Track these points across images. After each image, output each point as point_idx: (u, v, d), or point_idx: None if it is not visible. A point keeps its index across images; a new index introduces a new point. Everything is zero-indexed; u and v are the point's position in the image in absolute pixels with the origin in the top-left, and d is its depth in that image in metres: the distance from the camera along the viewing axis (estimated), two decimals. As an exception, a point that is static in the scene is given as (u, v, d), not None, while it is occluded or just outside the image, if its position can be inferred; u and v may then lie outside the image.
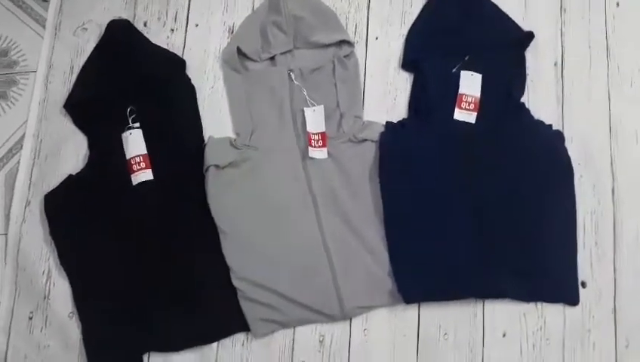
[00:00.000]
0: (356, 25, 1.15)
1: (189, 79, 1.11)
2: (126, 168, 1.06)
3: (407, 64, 1.12)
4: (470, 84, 1.09)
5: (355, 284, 1.01)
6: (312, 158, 1.05)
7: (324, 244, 1.02)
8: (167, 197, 1.05)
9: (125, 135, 1.07)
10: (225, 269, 1.01)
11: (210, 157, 1.03)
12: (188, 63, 1.12)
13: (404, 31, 1.14)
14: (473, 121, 1.07)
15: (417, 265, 1.01)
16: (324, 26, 1.10)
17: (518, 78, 1.10)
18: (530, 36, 1.09)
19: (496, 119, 1.07)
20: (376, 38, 1.15)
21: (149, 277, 1.01)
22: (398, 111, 1.11)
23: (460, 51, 1.10)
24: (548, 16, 1.13)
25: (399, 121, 1.09)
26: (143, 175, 1.05)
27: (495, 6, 1.12)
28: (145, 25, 1.18)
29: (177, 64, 1.10)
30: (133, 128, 1.07)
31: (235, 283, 1.00)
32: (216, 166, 1.03)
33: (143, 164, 1.05)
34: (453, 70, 1.10)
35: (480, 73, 1.09)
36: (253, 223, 1.03)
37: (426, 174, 1.04)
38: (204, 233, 1.03)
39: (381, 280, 1.01)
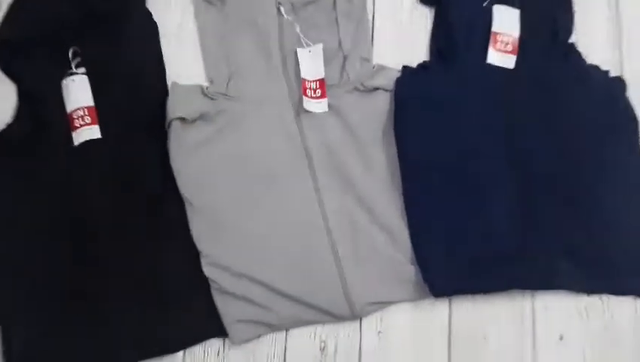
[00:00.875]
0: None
1: (150, 14, 0.87)
2: (66, 124, 0.81)
3: (426, -6, 0.89)
4: (506, 20, 0.87)
5: (365, 273, 0.77)
6: (307, 112, 0.82)
7: (325, 221, 0.78)
8: (119, 161, 0.80)
9: (66, 82, 0.82)
10: (195, 255, 0.77)
11: (174, 108, 0.79)
12: (149, -6, 0.88)
13: (421, -42, 0.91)
14: (512, 66, 0.85)
15: (448, 248, 0.77)
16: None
17: (564, 14, 0.88)
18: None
19: (541, 63, 0.86)
20: (387, -31, 0.91)
21: (94, 267, 0.76)
22: (417, 55, 0.87)
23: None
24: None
25: (419, 65, 0.85)
26: (88, 132, 0.80)
27: None
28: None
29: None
30: (77, 74, 0.82)
31: (207, 271, 0.76)
32: (182, 120, 0.78)
33: (87, 119, 0.80)
34: (484, 4, 0.87)
35: (517, 8, 0.87)
36: (230, 194, 0.78)
37: (455, 130, 0.81)
38: (168, 209, 0.79)
39: (400, 268, 0.78)
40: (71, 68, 0.83)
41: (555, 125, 0.82)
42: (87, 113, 0.81)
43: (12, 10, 0.85)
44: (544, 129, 0.82)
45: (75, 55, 0.83)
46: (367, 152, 0.81)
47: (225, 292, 0.75)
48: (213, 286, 0.76)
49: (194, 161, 0.78)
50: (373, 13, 0.89)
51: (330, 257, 0.77)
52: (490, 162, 0.80)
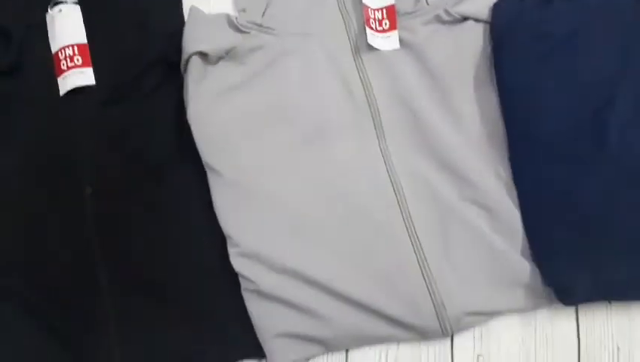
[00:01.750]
0: None
1: None
2: (48, 69, 0.61)
3: None
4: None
5: (458, 270, 0.54)
6: (371, 50, 0.60)
7: (399, 197, 0.56)
8: (120, 116, 0.60)
9: (51, 13, 0.62)
10: (220, 244, 0.55)
11: (194, 39, 0.58)
12: None
13: None
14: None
15: (580, 238, 0.53)
16: None
17: None
18: None
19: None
20: None
21: (86, 260, 0.56)
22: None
23: None
24: None
25: (527, -15, 0.62)
26: (78, 76, 0.60)
27: None
28: None
29: None
30: (65, 3, 0.62)
31: (237, 264, 0.54)
32: (204, 56, 0.58)
33: (78, 60, 0.60)
34: None
35: None
36: (269, 160, 0.57)
37: (576, 72, 0.58)
38: (179, 183, 0.58)
39: (507, 264, 0.55)
40: (56, -6, 0.63)
41: None
42: (77, 52, 0.60)
43: None
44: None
45: (63, -21, 0.63)
46: (454, 104, 0.59)
47: (262, 294, 0.53)
48: (245, 286, 0.54)
49: (220, 114, 0.57)
50: None
51: (407, 246, 0.55)
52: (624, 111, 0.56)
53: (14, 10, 0.62)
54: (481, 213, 0.56)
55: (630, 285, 0.53)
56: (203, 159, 0.56)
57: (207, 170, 0.56)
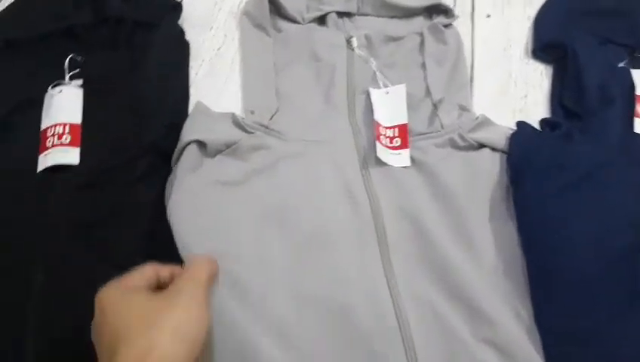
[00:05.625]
0: (455, -2, 0.74)
1: (182, 32, 0.67)
2: (34, 145, 0.56)
3: (544, 48, 0.68)
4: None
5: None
6: (380, 164, 0.56)
7: (403, 329, 0.48)
8: (96, 202, 0.53)
9: (51, 93, 0.59)
10: None
11: (193, 129, 0.55)
12: (186, 10, 0.68)
13: (532, 12, 0.72)
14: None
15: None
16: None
17: None
18: None
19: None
20: (488, 16, 0.72)
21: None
22: (529, 115, 0.64)
23: (623, 38, 0.67)
24: None
25: (544, 121, 0.61)
26: (61, 154, 0.55)
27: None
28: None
29: (167, 7, 0.67)
30: (66, 85, 0.60)
31: None
32: (201, 145, 0.54)
33: (66, 138, 0.56)
34: (620, 64, 0.66)
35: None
36: (261, 258, 0.49)
37: (599, 209, 0.53)
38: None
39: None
40: (63, 78, 0.61)
41: None
42: (68, 131, 0.56)
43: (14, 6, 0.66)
44: None
45: (73, 64, 0.62)
46: (467, 229, 0.53)
47: None
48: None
49: (210, 204, 0.51)
50: (472, 62, 0.68)
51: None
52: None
53: (21, 82, 0.59)
54: (500, 358, 0.47)
55: None
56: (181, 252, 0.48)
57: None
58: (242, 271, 0.48)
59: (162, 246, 0.50)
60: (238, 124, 0.57)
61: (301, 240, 0.50)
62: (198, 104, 0.58)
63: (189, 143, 0.53)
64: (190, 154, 0.53)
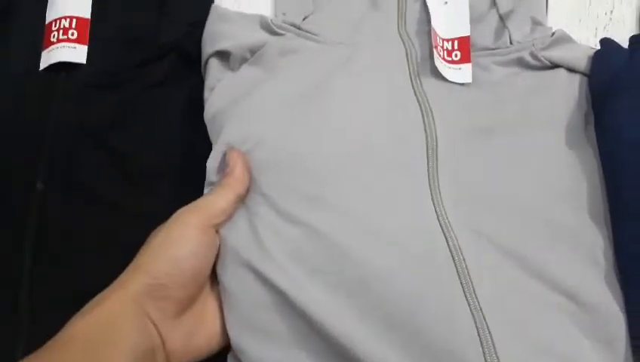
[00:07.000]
0: None
1: None
2: (38, 39, 0.49)
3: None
4: None
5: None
6: (435, 75, 0.47)
7: (455, 258, 0.39)
8: (106, 105, 0.47)
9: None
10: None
11: (215, 36, 0.46)
12: None
13: None
14: None
15: None
16: None
17: None
18: None
19: None
20: None
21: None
22: (615, 33, 0.53)
23: None
24: None
25: (636, 37, 0.51)
26: (67, 51, 0.48)
27: None
28: None
29: None
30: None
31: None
32: (222, 56, 0.46)
33: (73, 34, 0.49)
34: None
35: None
36: (293, 183, 0.42)
37: None
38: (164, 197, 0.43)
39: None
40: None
41: None
42: (74, 26, 0.49)
43: None
44: None
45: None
46: (537, 155, 0.44)
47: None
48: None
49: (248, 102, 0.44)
50: (547, -27, 0.57)
51: (469, 322, 0.37)
52: None
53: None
54: (569, 305, 0.38)
55: None
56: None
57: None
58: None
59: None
60: (266, 25, 0.48)
61: (341, 172, 0.42)
62: (215, 8, 0.50)
63: (209, 58, 0.45)
64: (213, 72, 0.45)
